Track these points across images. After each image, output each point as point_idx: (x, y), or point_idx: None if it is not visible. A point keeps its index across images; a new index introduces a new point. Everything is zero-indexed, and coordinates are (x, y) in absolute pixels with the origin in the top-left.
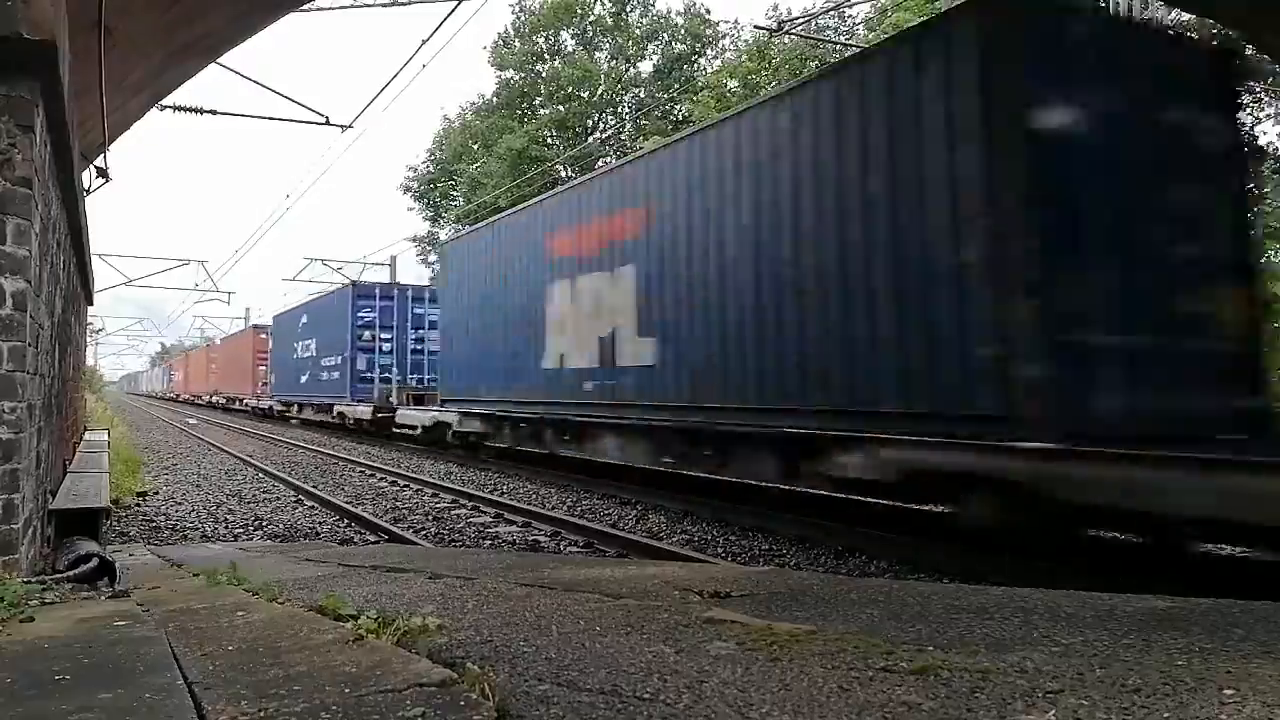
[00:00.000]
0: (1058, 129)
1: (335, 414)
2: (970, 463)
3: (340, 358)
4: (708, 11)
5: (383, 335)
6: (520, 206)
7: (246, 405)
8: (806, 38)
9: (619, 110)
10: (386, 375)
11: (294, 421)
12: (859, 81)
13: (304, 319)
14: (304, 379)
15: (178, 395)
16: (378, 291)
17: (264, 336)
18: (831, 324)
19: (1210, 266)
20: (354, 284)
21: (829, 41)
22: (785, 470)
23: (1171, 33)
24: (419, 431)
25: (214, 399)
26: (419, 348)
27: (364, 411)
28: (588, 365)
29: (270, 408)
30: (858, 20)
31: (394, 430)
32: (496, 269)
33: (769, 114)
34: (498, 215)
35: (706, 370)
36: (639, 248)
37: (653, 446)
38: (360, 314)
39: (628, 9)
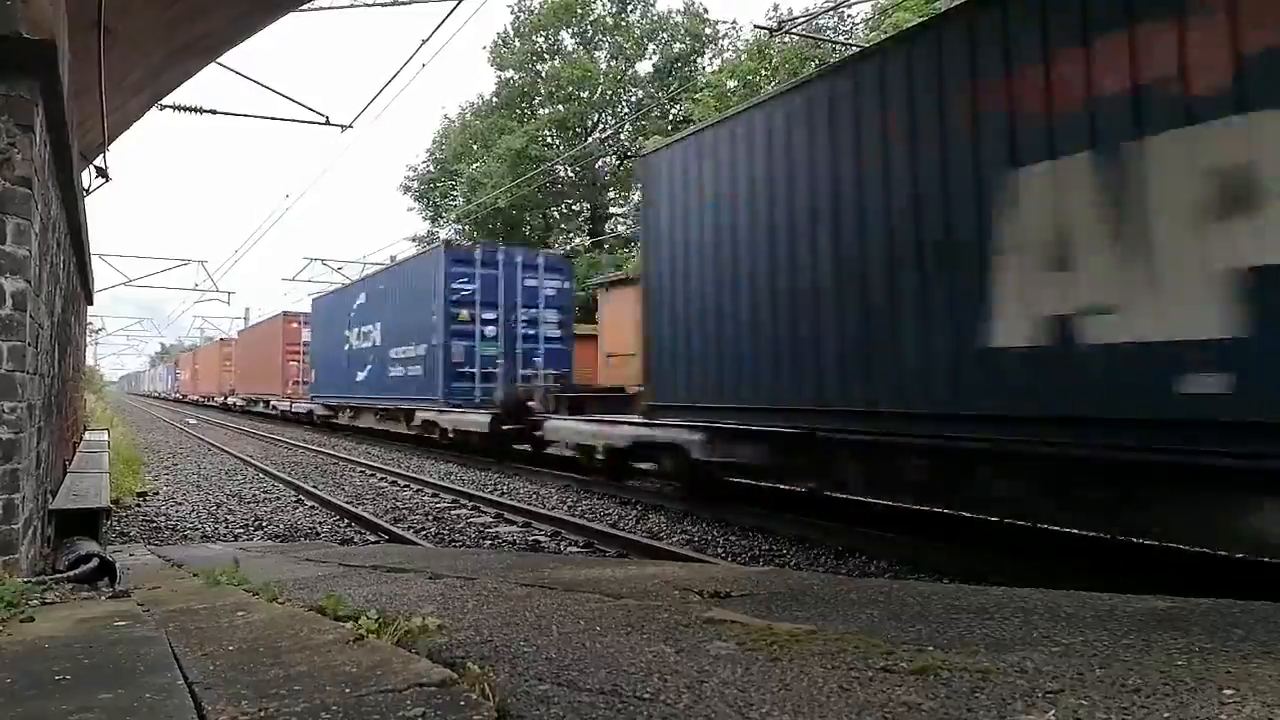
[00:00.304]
0: None
1: (418, 423)
2: None
3: (424, 346)
4: (706, 11)
5: (484, 315)
6: (861, 52)
7: (275, 408)
8: (807, 37)
9: (618, 110)
10: (510, 371)
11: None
12: None
13: (361, 298)
14: (362, 376)
15: (184, 396)
16: (478, 256)
17: (296, 325)
18: None
19: None
20: (447, 244)
21: (829, 41)
22: None
23: None
24: (599, 457)
25: (229, 400)
26: (532, 332)
27: (474, 421)
28: (1192, 336)
29: (310, 412)
30: (857, 20)
31: (516, 447)
32: (801, 170)
33: None
34: (779, 89)
35: None
36: None
37: None
38: (455, 285)
39: (628, 9)
